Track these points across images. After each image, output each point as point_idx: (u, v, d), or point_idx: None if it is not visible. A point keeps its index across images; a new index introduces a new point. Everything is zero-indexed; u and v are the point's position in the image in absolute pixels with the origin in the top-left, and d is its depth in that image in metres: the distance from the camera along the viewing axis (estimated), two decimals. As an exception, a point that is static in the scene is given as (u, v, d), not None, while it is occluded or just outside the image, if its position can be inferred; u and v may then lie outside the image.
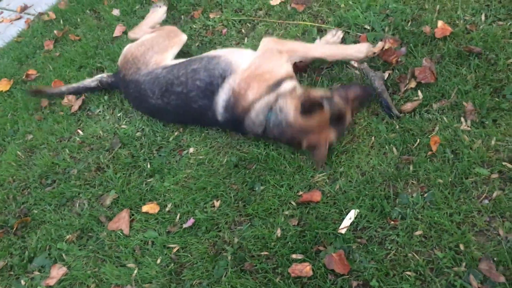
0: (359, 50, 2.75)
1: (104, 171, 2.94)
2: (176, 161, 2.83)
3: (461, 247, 2.00)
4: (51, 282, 2.46)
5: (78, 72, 3.78)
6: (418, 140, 2.41)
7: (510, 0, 2.76)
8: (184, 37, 3.25)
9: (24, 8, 5.21)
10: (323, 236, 2.23)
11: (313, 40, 3.08)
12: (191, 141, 2.92)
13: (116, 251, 2.52)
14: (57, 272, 2.51)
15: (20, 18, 5.10)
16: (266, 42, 2.84)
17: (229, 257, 2.28)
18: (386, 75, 2.72)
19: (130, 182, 2.82)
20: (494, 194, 2.11)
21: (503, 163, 2.18)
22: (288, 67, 2.74)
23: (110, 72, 3.53)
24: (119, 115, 3.28)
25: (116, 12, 4.23)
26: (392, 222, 2.17)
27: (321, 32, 3.14)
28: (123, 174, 2.87)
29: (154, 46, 3.12)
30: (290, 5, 3.42)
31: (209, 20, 3.67)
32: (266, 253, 2.26)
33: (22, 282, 2.52)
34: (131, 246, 2.50)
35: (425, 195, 2.21)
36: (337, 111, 2.48)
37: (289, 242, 2.25)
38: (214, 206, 2.53)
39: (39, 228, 2.76)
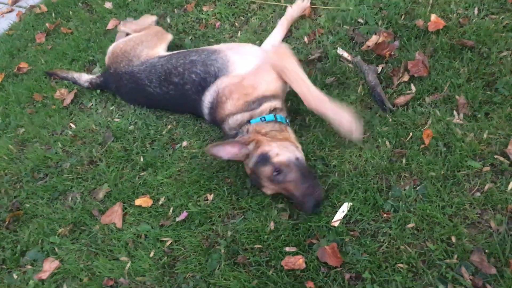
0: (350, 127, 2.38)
1: (96, 164, 2.93)
2: (169, 155, 2.82)
3: (453, 239, 2.01)
4: (44, 275, 2.45)
5: (70, 66, 3.77)
6: (411, 133, 2.42)
7: (503, -6, 2.77)
8: (170, 37, 3.32)
9: (15, 1, 5.15)
10: (316, 229, 2.24)
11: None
12: (184, 134, 2.91)
13: (109, 244, 2.51)
14: (50, 265, 2.49)
15: (11, 11, 5.04)
16: (272, 53, 2.68)
17: (222, 250, 2.28)
18: (379, 68, 2.73)
19: (123, 176, 2.81)
20: (486, 187, 2.12)
21: (495, 156, 2.20)
22: (276, 85, 2.59)
23: (103, 65, 3.52)
24: (111, 108, 3.27)
25: (108, 5, 4.21)
26: (385, 215, 2.18)
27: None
28: (116, 167, 2.85)
29: (144, 41, 3.17)
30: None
31: (202, 13, 3.66)
32: (259, 246, 2.26)
33: (15, 276, 2.50)
34: (124, 239, 2.49)
35: (418, 188, 2.22)
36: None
37: (282, 235, 2.26)
38: (207, 200, 2.53)
39: (31, 222, 2.74)
